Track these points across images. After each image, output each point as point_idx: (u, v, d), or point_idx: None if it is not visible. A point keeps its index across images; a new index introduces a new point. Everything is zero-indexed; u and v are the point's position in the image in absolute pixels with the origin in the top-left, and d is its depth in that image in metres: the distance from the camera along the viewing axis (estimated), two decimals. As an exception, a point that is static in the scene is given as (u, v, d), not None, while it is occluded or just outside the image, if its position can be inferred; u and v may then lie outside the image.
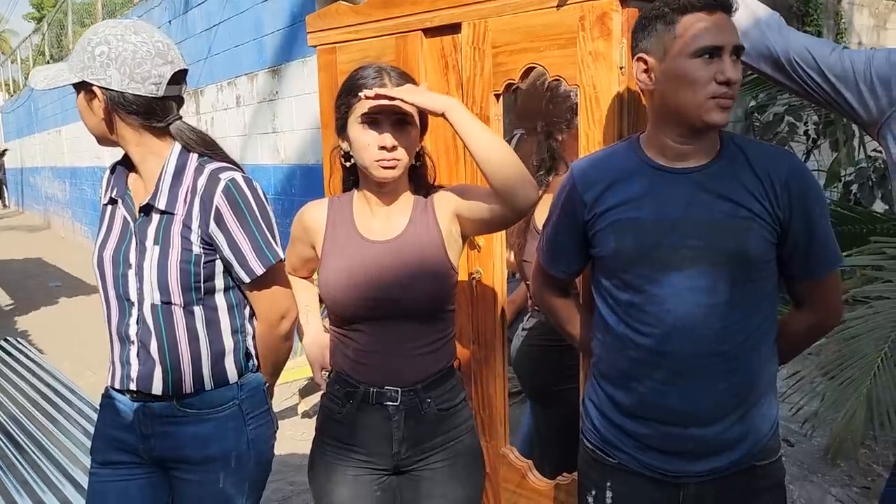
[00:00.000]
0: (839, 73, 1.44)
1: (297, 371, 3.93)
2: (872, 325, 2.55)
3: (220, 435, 1.54)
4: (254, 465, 1.58)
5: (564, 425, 1.98)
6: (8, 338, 4.99)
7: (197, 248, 1.47)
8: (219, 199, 1.46)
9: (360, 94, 1.46)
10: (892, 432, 2.34)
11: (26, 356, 4.60)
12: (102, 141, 1.52)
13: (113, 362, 1.55)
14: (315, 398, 4.10)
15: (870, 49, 1.48)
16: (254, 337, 1.60)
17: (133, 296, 1.50)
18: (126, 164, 1.57)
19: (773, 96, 4.18)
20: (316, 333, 1.69)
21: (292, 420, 3.99)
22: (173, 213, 1.48)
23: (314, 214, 1.62)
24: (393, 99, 1.44)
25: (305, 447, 1.72)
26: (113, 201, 1.55)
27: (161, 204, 1.48)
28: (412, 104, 1.45)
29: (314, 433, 1.64)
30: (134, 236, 1.50)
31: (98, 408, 1.64)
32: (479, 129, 1.45)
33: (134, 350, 1.51)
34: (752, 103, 4.44)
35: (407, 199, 1.57)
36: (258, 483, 1.62)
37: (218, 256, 1.50)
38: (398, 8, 1.98)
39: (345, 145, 1.55)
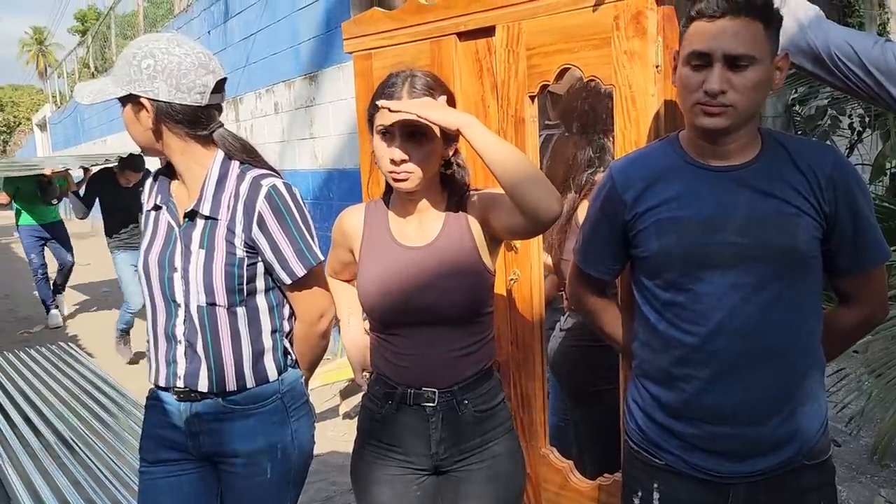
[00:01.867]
0: (882, 66, 1.41)
1: (337, 373, 3.98)
2: (921, 321, 2.48)
3: (266, 428, 1.60)
4: (297, 456, 1.64)
5: (604, 426, 1.97)
6: (60, 343, 5.14)
7: (240, 252, 1.53)
8: (261, 205, 1.52)
9: (376, 103, 1.48)
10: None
11: (77, 360, 4.73)
12: (148, 151, 1.57)
13: (157, 361, 1.60)
14: (355, 399, 4.14)
15: (913, 40, 1.44)
16: (289, 335, 1.66)
17: (179, 298, 1.55)
18: (168, 172, 1.63)
19: (815, 89, 4.09)
20: (356, 336, 1.72)
21: (334, 421, 4.04)
22: (217, 219, 1.54)
23: (352, 220, 1.65)
24: (407, 114, 1.43)
25: (347, 447, 1.75)
26: (157, 207, 1.61)
27: (205, 210, 1.54)
28: (425, 119, 1.43)
29: (355, 433, 1.67)
30: (179, 241, 1.56)
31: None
32: (496, 145, 1.42)
33: (181, 349, 1.56)
34: (794, 95, 4.36)
35: (440, 205, 1.58)
36: (301, 474, 1.69)
37: (260, 259, 1.56)
38: (432, 13, 2.00)
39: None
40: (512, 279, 1.97)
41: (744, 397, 1.35)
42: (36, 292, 6.96)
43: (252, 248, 1.54)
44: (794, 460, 1.37)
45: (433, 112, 1.43)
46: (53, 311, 6.83)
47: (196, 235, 1.55)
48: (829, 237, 1.35)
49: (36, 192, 6.41)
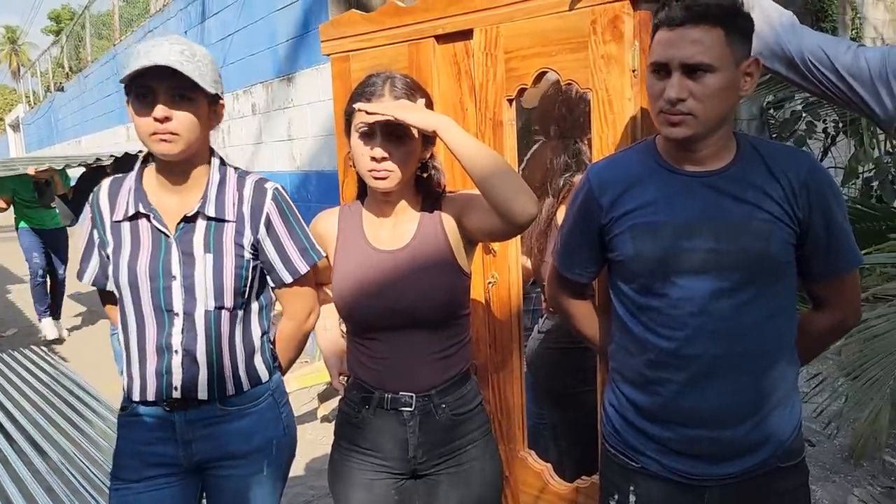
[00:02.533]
0: (854, 71, 1.43)
1: (315, 376, 3.96)
2: (894, 323, 2.52)
3: (262, 426, 1.62)
4: (288, 450, 1.69)
5: (582, 428, 1.98)
6: (33, 346, 5.06)
7: (247, 254, 1.56)
8: (269, 207, 1.57)
9: (355, 105, 1.48)
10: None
11: (51, 364, 4.66)
12: (182, 154, 1.48)
13: (142, 376, 1.55)
14: (333, 403, 4.11)
15: (885, 46, 1.46)
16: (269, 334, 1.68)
17: (177, 306, 1.53)
18: (136, 181, 1.57)
19: (789, 93, 4.14)
20: (334, 339, 1.72)
21: (312, 424, 4.01)
22: (223, 221, 1.54)
23: (326, 223, 1.65)
24: (385, 115, 1.44)
25: (325, 451, 1.75)
26: (134, 217, 1.55)
27: (211, 212, 1.54)
28: (403, 121, 1.43)
29: (333, 437, 1.66)
30: (175, 248, 1.53)
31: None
32: (472, 147, 1.43)
33: (177, 359, 1.54)
34: (769, 99, 4.40)
35: (415, 207, 1.57)
36: (289, 467, 1.73)
37: (259, 261, 1.59)
38: (410, 15, 2.00)
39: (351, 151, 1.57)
40: (490, 282, 1.96)
41: (719, 401, 1.36)
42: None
43: (255, 250, 1.57)
44: (769, 462, 1.39)
45: (410, 114, 1.43)
46: (45, 321, 6.19)
47: (198, 240, 1.53)
48: (802, 243, 1.36)
49: (33, 194, 5.73)
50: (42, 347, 5.10)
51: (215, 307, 1.53)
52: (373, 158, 1.48)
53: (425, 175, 1.59)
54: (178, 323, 1.53)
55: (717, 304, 1.34)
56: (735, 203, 1.35)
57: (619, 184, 1.43)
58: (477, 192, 1.45)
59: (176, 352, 1.53)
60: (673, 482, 1.41)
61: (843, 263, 1.41)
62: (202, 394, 1.55)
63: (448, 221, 1.54)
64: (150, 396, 1.55)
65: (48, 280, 6.19)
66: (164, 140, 1.45)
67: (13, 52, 41.90)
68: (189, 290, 1.52)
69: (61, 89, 15.34)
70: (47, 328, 6.20)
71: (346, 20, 2.18)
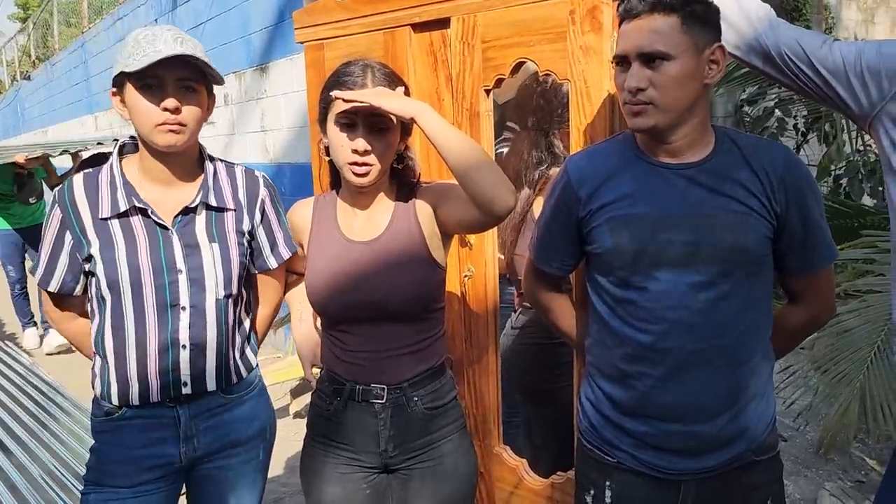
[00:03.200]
0: (830, 66, 1.43)
1: (288, 371, 3.91)
2: (865, 318, 2.55)
3: (258, 412, 1.66)
4: (275, 433, 1.73)
5: (557, 423, 1.97)
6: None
7: (245, 241, 1.59)
8: (263, 193, 1.61)
9: (332, 93, 1.44)
10: (885, 426, 2.33)
11: (14, 359, 4.55)
12: (184, 147, 1.48)
13: (142, 378, 1.50)
14: (306, 398, 4.07)
15: (860, 41, 1.46)
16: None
17: (185, 300, 1.50)
18: (123, 177, 1.51)
19: (763, 90, 4.18)
20: (308, 332, 1.68)
21: (284, 420, 3.95)
22: (224, 210, 1.55)
23: (301, 213, 1.62)
24: (362, 102, 1.40)
25: (297, 448, 1.74)
26: (127, 213, 1.49)
27: (212, 201, 1.54)
28: (380, 108, 1.40)
29: (306, 431, 1.63)
30: (176, 241, 1.50)
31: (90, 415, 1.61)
32: (450, 134, 1.40)
33: (185, 354, 1.51)
34: (743, 97, 4.44)
35: (389, 198, 1.55)
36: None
37: (251, 246, 1.61)
38: (386, 3, 1.96)
39: (325, 140, 1.53)
40: (466, 276, 1.94)
41: (695, 395, 1.35)
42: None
43: (251, 236, 1.60)
44: (744, 456, 1.39)
45: (388, 100, 1.40)
46: (29, 331, 5.76)
47: (200, 231, 1.52)
48: (779, 237, 1.36)
49: (12, 188, 5.30)
50: (7, 342, 4.98)
51: (224, 296, 1.54)
52: (354, 151, 1.44)
53: (400, 165, 1.56)
54: (186, 317, 1.50)
55: (695, 297, 1.33)
56: (712, 196, 1.34)
57: (598, 176, 1.41)
58: (452, 182, 1.42)
59: (184, 346, 1.51)
60: (649, 477, 1.41)
61: (819, 259, 1.41)
62: (211, 385, 1.55)
63: (423, 213, 1.51)
64: (155, 397, 1.51)
65: (27, 288, 5.75)
66: (173, 131, 1.43)
67: (-22, 39, 40.97)
68: (196, 282, 1.50)
69: (28, 78, 15.03)
70: (29, 339, 5.75)
71: (321, 7, 2.14)
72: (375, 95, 1.41)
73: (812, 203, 1.37)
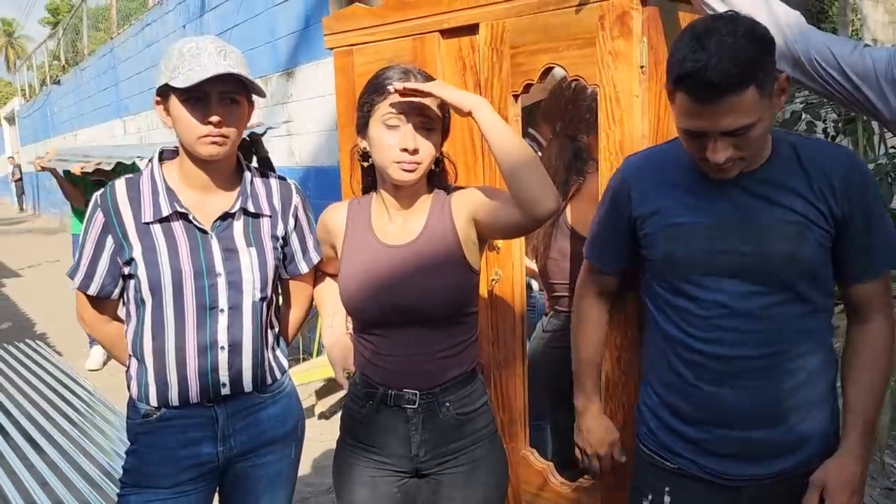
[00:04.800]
0: (860, 71, 1.42)
1: (313, 372, 3.94)
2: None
3: (290, 409, 1.71)
4: (304, 431, 1.77)
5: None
6: (27, 340, 5.04)
7: (279, 245, 1.64)
8: (296, 200, 1.68)
9: (387, 87, 1.45)
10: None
11: (45, 358, 4.64)
12: (225, 156, 1.52)
13: (182, 379, 1.53)
14: (331, 399, 4.10)
15: (891, 47, 1.45)
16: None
17: (223, 302, 1.54)
18: (162, 181, 1.55)
19: (791, 94, 4.14)
20: (339, 335, 1.70)
21: (309, 421, 3.99)
22: (260, 216, 1.60)
23: (335, 217, 1.63)
24: (423, 94, 1.43)
25: (322, 448, 1.77)
26: (170, 218, 1.53)
27: (250, 207, 1.59)
28: (440, 97, 1.43)
29: (338, 433, 1.65)
30: (216, 245, 1.54)
31: (117, 411, 1.66)
32: (504, 133, 1.41)
33: (223, 356, 1.55)
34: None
35: (424, 203, 1.55)
36: None
37: (283, 251, 1.66)
38: (415, 9, 1.98)
39: (363, 144, 1.54)
40: (494, 279, 1.95)
41: (751, 402, 1.36)
42: None
43: (284, 242, 1.65)
44: (812, 462, 1.37)
45: (448, 91, 1.44)
46: (95, 349, 5.21)
47: (238, 235, 1.57)
48: (838, 243, 1.34)
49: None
50: (37, 342, 5.07)
51: (260, 298, 1.58)
52: (404, 150, 1.45)
53: (438, 169, 1.57)
54: (224, 319, 1.54)
55: (746, 305, 1.34)
56: (765, 205, 1.33)
57: (651, 179, 1.43)
58: (489, 186, 1.43)
59: (222, 348, 1.54)
60: (708, 482, 1.41)
61: (881, 261, 1.37)
62: (247, 386, 1.59)
63: (459, 217, 1.52)
64: (195, 398, 1.55)
65: None
66: (215, 143, 1.48)
67: (9, 44, 41.72)
68: (234, 284, 1.55)
69: (57, 82, 15.28)
70: (95, 357, 5.21)
71: (350, 14, 2.16)
72: (437, 87, 1.44)
73: (874, 204, 1.34)
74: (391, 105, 1.46)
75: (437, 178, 1.58)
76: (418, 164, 1.46)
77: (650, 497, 1.48)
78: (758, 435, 1.36)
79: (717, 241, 1.35)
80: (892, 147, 3.92)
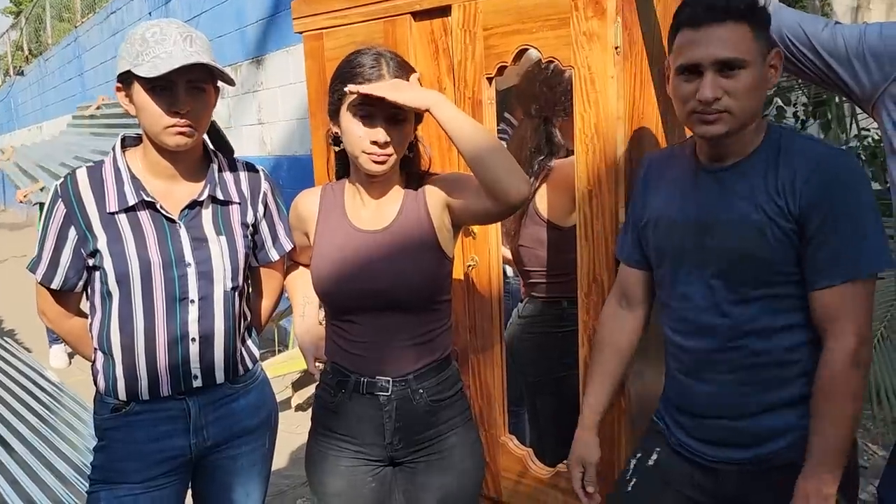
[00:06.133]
0: (832, 49, 1.42)
1: (289, 363, 3.91)
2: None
3: (264, 399, 1.69)
4: (277, 421, 1.74)
5: (563, 412, 1.96)
6: (-7, 337, 4.93)
7: (249, 233, 1.61)
8: (266, 186, 1.65)
9: (346, 87, 1.42)
10: (890, 412, 2.33)
11: (13, 355, 4.54)
12: (192, 145, 1.49)
13: (151, 372, 1.50)
14: (308, 391, 4.07)
15: (862, 24, 1.45)
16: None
17: (194, 293, 1.51)
18: (128, 170, 1.50)
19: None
20: (310, 325, 1.68)
21: (286, 413, 3.95)
22: (229, 203, 1.57)
23: (307, 202, 1.60)
24: (379, 97, 1.38)
25: (299, 440, 1.75)
26: (135, 207, 1.48)
27: (219, 194, 1.55)
28: (394, 101, 1.38)
29: (310, 424, 1.63)
30: (184, 234, 1.50)
31: (89, 410, 1.61)
32: (466, 126, 1.38)
33: (194, 347, 1.52)
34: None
35: (398, 189, 1.53)
36: None
37: (252, 239, 1.63)
38: (386, -9, 1.94)
39: (335, 129, 1.51)
40: (470, 265, 1.93)
41: (721, 391, 1.38)
42: None
43: (254, 229, 1.62)
44: (784, 455, 1.36)
45: (402, 93, 1.39)
46: (56, 347, 5.22)
47: (207, 224, 1.53)
48: (801, 242, 1.29)
49: None
50: (5, 338, 4.97)
51: (231, 288, 1.55)
52: (374, 143, 1.42)
53: (412, 155, 1.54)
54: (194, 310, 1.51)
55: (714, 298, 1.35)
56: (737, 200, 1.33)
57: (658, 176, 1.48)
58: (463, 173, 1.41)
59: (193, 340, 1.52)
60: (691, 461, 1.45)
61: (838, 271, 1.26)
62: (220, 377, 1.57)
63: (433, 203, 1.50)
64: (165, 391, 1.52)
65: None
66: (182, 133, 1.44)
67: (-30, 35, 40.71)
68: (205, 274, 1.51)
69: (21, 73, 14.95)
70: (58, 355, 5.24)
71: (319, -4, 2.11)
72: (392, 89, 1.38)
73: (842, 207, 1.26)
74: (358, 97, 1.42)
75: (412, 163, 1.55)
76: (388, 156, 1.44)
77: (639, 455, 1.53)
78: (727, 424, 1.39)
79: (688, 236, 1.37)
80: (864, 129, 3.97)
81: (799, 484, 1.29)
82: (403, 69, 1.46)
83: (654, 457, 1.50)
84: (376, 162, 1.43)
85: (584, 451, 1.57)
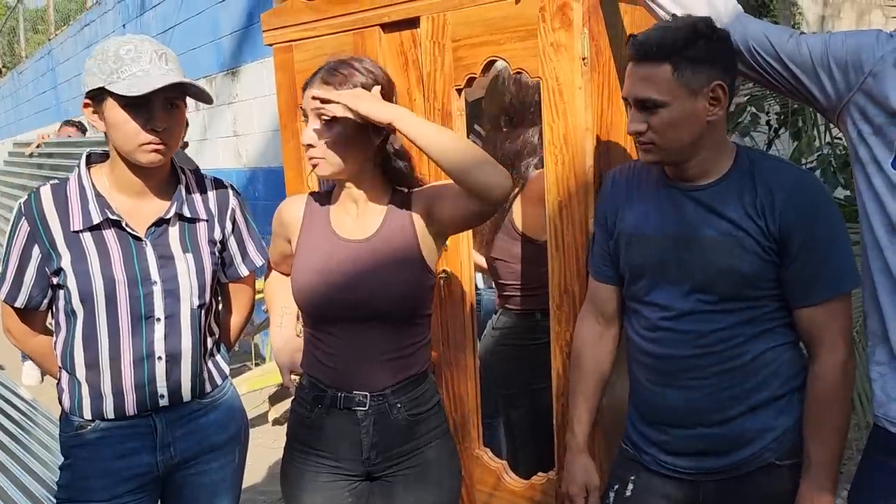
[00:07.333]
0: (797, 59, 1.43)
1: (266, 377, 3.88)
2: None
3: (232, 415, 1.66)
4: (248, 436, 1.72)
5: (538, 424, 1.95)
6: (-36, 355, 4.84)
7: (217, 250, 1.59)
8: (234, 202, 1.64)
9: (305, 90, 1.44)
10: (862, 417, 2.35)
11: (-17, 373, 4.45)
12: (164, 162, 1.48)
13: (117, 392, 1.48)
14: (284, 405, 4.03)
15: (826, 34, 1.47)
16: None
17: (160, 311, 1.49)
18: (74, 188, 1.48)
19: (735, 86, 4.20)
20: (287, 337, 1.66)
21: (263, 428, 3.92)
22: (196, 220, 1.55)
23: (291, 209, 1.60)
24: (333, 103, 1.39)
25: (276, 455, 1.73)
26: (100, 226, 1.46)
27: (186, 212, 1.53)
28: (355, 112, 1.38)
29: (286, 439, 1.61)
30: (150, 252, 1.48)
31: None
32: (433, 135, 1.38)
33: (160, 366, 1.50)
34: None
35: (382, 199, 1.52)
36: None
37: (221, 255, 1.62)
38: (355, 3, 1.93)
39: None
40: (442, 277, 1.92)
41: (695, 398, 1.40)
42: None
43: (222, 246, 1.61)
44: (762, 457, 1.39)
45: (364, 104, 1.38)
46: (28, 363, 5.05)
47: (173, 242, 1.52)
48: (782, 262, 1.34)
49: None
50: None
51: (198, 305, 1.53)
52: (303, 143, 1.46)
53: (394, 165, 1.53)
54: (160, 328, 1.49)
55: (689, 307, 1.38)
56: (712, 217, 1.37)
57: (625, 191, 1.49)
58: (444, 181, 1.41)
59: (159, 358, 1.50)
60: (671, 478, 1.45)
61: (821, 288, 1.33)
62: (186, 395, 1.55)
63: (418, 217, 1.50)
64: (131, 410, 1.50)
65: None
66: (157, 151, 1.43)
67: (-57, 48, 40.27)
68: (171, 292, 1.50)
69: (-6, 86, 14.76)
70: (29, 373, 5.08)
71: (289, 9, 2.11)
72: (352, 98, 1.38)
73: (820, 228, 1.33)
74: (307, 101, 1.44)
75: (395, 172, 1.54)
76: (320, 158, 1.44)
77: (616, 487, 1.52)
78: (704, 432, 1.40)
79: (664, 252, 1.40)
80: (836, 138, 4.01)
81: (802, 490, 1.35)
82: (372, 78, 1.45)
83: (631, 486, 1.49)
84: (312, 164, 1.46)
85: (585, 476, 1.55)
